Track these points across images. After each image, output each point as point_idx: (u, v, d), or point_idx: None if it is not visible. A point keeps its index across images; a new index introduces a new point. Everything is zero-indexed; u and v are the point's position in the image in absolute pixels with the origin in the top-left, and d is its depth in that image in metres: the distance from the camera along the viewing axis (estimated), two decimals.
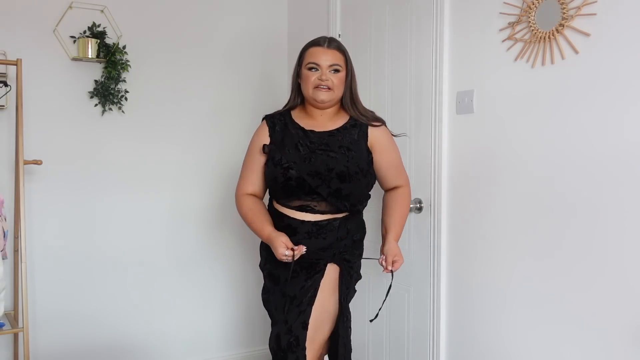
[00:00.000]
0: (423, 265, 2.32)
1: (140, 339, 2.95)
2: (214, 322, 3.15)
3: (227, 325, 3.20)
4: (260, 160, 1.94)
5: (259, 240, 2.01)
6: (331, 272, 1.90)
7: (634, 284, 1.60)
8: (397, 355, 2.48)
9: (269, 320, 2.05)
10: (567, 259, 1.77)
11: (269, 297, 1.99)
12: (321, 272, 1.88)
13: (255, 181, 1.96)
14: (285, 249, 1.80)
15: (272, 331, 1.95)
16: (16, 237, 2.50)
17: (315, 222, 1.87)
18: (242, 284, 3.21)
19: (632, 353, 1.61)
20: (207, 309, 3.13)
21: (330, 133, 1.92)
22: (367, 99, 2.49)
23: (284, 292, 1.90)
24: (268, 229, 1.86)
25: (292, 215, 1.88)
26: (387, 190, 2.04)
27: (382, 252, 1.93)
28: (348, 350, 1.98)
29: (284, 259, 1.81)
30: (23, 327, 2.31)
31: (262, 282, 2.06)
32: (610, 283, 1.66)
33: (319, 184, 1.84)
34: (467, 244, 2.14)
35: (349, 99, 1.95)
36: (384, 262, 1.90)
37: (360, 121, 1.95)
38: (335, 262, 1.90)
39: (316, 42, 1.92)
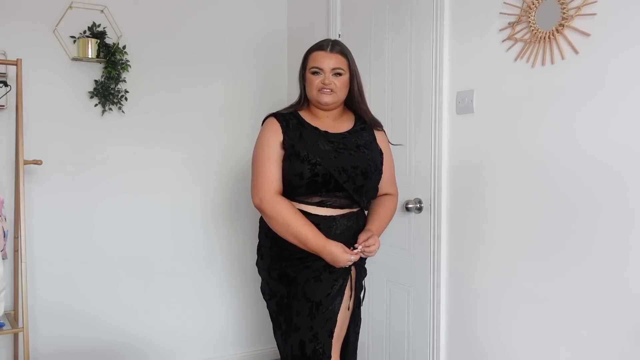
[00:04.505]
0: (423, 265, 2.32)
1: (142, 339, 2.95)
2: (217, 321, 3.15)
3: (231, 325, 3.20)
4: (278, 155, 1.87)
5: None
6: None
7: (634, 284, 1.60)
8: (397, 355, 2.48)
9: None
10: (568, 259, 1.77)
11: (289, 302, 1.89)
12: (347, 280, 1.88)
13: (278, 178, 1.86)
14: (349, 255, 1.82)
15: (292, 337, 1.89)
16: (16, 237, 2.50)
17: (334, 216, 1.87)
18: (245, 283, 3.21)
19: (633, 354, 1.61)
20: (210, 309, 3.13)
21: (343, 135, 1.93)
22: (367, 99, 2.48)
23: (308, 297, 1.86)
24: (323, 237, 1.83)
25: (312, 212, 1.86)
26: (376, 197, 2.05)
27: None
28: (356, 355, 2.00)
29: (348, 263, 1.83)
30: (23, 327, 2.31)
31: None
32: (611, 283, 1.66)
33: (346, 180, 1.85)
34: (467, 244, 2.14)
35: (358, 99, 1.98)
36: (358, 246, 1.86)
37: (366, 124, 1.99)
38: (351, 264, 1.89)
39: (319, 46, 1.93)
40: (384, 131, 2.05)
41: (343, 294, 1.87)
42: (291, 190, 1.86)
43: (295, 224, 1.81)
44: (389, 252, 2.50)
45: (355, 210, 1.92)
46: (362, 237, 1.87)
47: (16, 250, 2.51)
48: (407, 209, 2.32)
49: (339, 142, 1.90)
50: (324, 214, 1.86)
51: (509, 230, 1.97)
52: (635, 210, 1.59)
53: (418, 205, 2.32)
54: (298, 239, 1.82)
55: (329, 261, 1.82)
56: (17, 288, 2.58)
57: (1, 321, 2.44)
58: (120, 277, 2.88)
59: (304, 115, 1.96)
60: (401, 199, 2.23)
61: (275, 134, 1.89)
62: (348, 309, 1.91)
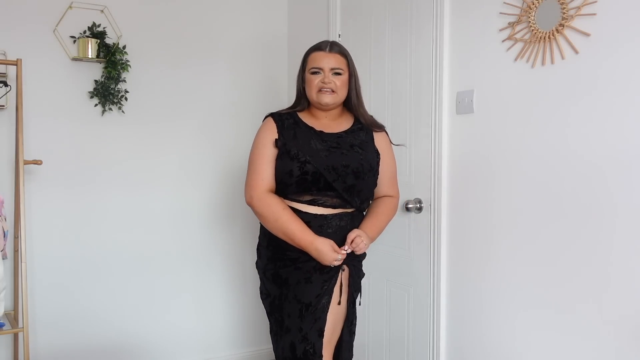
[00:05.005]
0: (423, 265, 2.32)
1: (142, 338, 2.95)
2: (216, 321, 3.15)
3: (230, 325, 3.20)
4: (272, 154, 1.88)
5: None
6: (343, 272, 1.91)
7: (635, 285, 1.60)
8: (397, 355, 2.48)
9: None
10: (567, 259, 1.77)
11: (281, 304, 1.90)
12: (335, 278, 1.87)
13: (270, 176, 1.88)
14: (336, 253, 1.81)
15: (283, 339, 1.90)
16: (16, 237, 2.50)
17: (326, 215, 1.87)
18: (244, 282, 3.21)
19: (634, 355, 1.61)
20: (209, 309, 3.13)
21: (339, 135, 1.93)
22: (367, 99, 2.48)
23: (298, 298, 1.86)
24: (311, 233, 1.82)
25: (303, 209, 1.86)
26: (376, 198, 2.04)
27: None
28: (351, 355, 1.99)
29: (335, 263, 1.82)
30: (23, 327, 2.31)
31: None
32: (615, 286, 1.65)
33: (335, 179, 1.84)
34: (467, 244, 2.14)
35: (355, 101, 1.97)
36: (346, 247, 1.85)
37: (365, 125, 1.98)
38: (344, 263, 1.89)
39: (318, 47, 1.94)
40: (386, 132, 2.05)
41: (331, 292, 1.86)
42: (283, 188, 1.88)
43: (283, 219, 1.82)
44: (389, 252, 2.50)
45: (349, 210, 1.91)
46: (349, 237, 1.86)
47: (16, 250, 2.51)
48: (407, 209, 2.32)
49: (333, 142, 1.91)
50: (314, 213, 1.86)
51: (508, 229, 1.97)
52: (631, 211, 1.59)
53: (418, 205, 2.32)
54: (286, 235, 1.83)
55: (315, 258, 1.82)
56: (17, 288, 2.59)
57: (1, 321, 2.44)
58: (119, 277, 2.88)
59: (302, 115, 1.97)
60: (401, 199, 2.23)
61: (270, 133, 1.91)
62: (339, 304, 1.89)
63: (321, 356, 1.84)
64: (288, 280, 1.88)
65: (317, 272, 1.86)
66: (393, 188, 2.06)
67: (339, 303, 1.89)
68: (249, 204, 1.90)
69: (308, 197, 1.87)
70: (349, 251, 1.85)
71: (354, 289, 1.95)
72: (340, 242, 1.86)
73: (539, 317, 1.87)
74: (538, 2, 1.83)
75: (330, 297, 1.86)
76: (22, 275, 2.33)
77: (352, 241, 1.85)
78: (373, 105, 2.52)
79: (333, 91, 1.90)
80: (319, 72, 1.90)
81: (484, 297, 2.08)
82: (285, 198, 1.88)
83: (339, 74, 1.90)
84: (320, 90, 1.90)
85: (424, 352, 2.32)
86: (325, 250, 1.80)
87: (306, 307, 1.85)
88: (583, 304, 1.73)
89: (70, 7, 2.69)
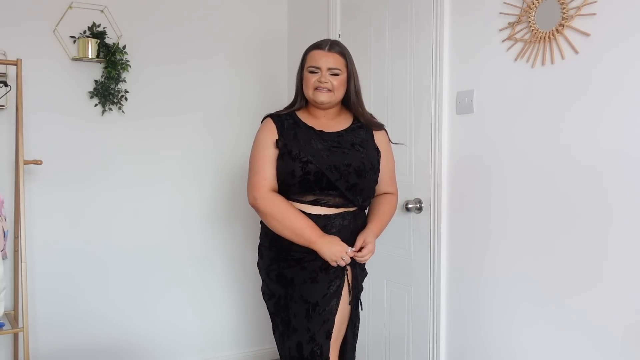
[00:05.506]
0: (423, 265, 2.32)
1: (143, 338, 2.95)
2: (217, 321, 3.15)
3: (231, 325, 3.20)
4: (273, 154, 1.88)
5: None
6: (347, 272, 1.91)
7: (634, 284, 1.59)
8: (397, 355, 2.48)
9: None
10: (568, 259, 1.77)
11: (287, 304, 1.90)
12: (343, 280, 1.87)
13: (273, 176, 1.87)
14: (346, 252, 1.81)
15: (290, 339, 1.89)
16: (16, 237, 2.51)
17: (329, 215, 1.87)
18: (246, 282, 3.21)
19: (634, 355, 1.61)
20: (210, 308, 3.13)
21: (339, 134, 1.93)
22: (367, 99, 2.48)
23: (305, 298, 1.86)
24: (318, 230, 1.82)
25: (306, 210, 1.86)
26: (376, 196, 2.04)
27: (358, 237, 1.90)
28: (354, 357, 1.99)
29: (342, 263, 1.82)
30: (23, 327, 2.31)
31: None
32: (611, 283, 1.66)
33: (338, 178, 1.84)
34: (467, 244, 2.14)
35: (354, 101, 1.97)
36: (350, 250, 1.84)
37: (364, 123, 1.98)
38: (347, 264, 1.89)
39: (318, 45, 1.93)
40: (386, 130, 2.05)
41: (340, 295, 1.86)
42: (285, 189, 1.87)
43: (291, 217, 1.81)
44: (389, 252, 2.50)
45: (352, 209, 1.91)
46: (357, 243, 1.86)
47: (16, 250, 2.51)
48: (407, 209, 2.32)
49: (334, 141, 1.90)
50: (318, 213, 1.86)
51: (508, 229, 1.97)
52: (631, 210, 1.59)
53: (418, 205, 2.32)
54: (294, 232, 1.82)
55: (325, 253, 1.81)
56: (17, 288, 2.59)
57: (1, 321, 2.44)
58: (120, 277, 2.88)
59: (301, 115, 1.97)
60: (401, 199, 2.23)
61: (271, 134, 1.90)
62: (350, 304, 1.89)
63: (327, 358, 1.84)
64: (294, 281, 1.88)
65: (322, 272, 1.85)
66: (393, 185, 2.06)
67: (350, 303, 1.89)
68: (253, 205, 1.88)
69: (311, 197, 1.86)
70: (351, 255, 1.85)
71: (357, 290, 1.94)
72: (345, 241, 1.86)
73: (539, 318, 1.87)
74: (538, 2, 1.83)
75: (339, 300, 1.86)
76: (22, 275, 2.33)
77: (359, 250, 1.84)
78: (373, 105, 2.52)
79: (329, 90, 1.89)
80: (316, 71, 1.89)
81: (484, 297, 2.08)
82: (287, 199, 1.87)
83: (336, 74, 1.90)
84: (316, 89, 1.89)
85: (424, 352, 2.32)
86: (336, 243, 1.81)
87: (313, 308, 1.84)
88: (586, 304, 1.73)
89: (70, 7, 2.69)
